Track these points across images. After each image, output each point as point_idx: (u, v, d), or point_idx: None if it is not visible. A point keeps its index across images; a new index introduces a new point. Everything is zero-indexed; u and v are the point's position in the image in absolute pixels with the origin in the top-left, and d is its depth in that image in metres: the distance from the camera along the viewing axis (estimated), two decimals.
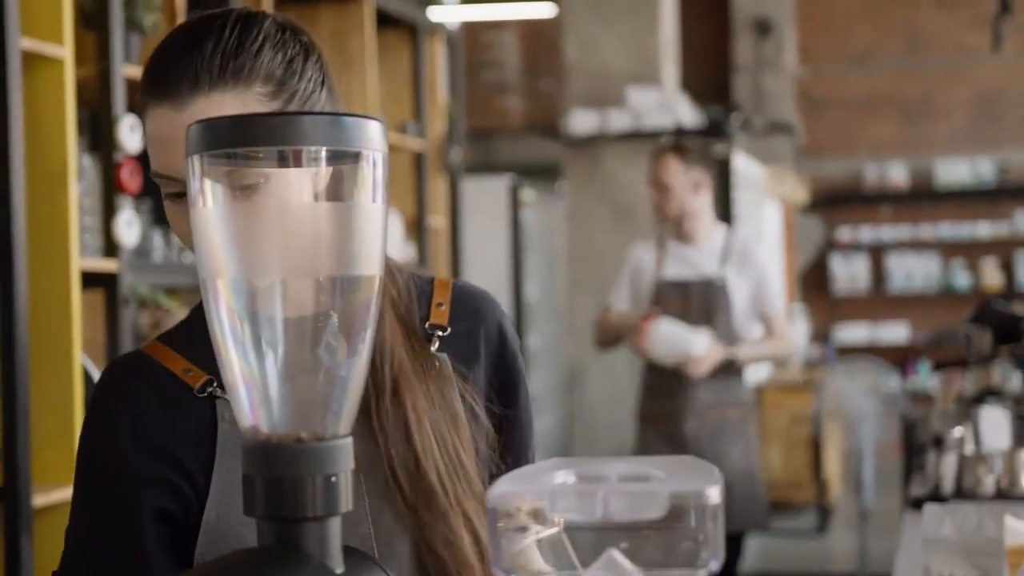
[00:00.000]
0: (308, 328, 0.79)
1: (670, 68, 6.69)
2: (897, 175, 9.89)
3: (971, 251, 9.80)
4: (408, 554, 1.14)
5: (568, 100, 6.53)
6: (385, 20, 4.41)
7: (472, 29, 9.23)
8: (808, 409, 6.82)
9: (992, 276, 9.71)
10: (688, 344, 3.74)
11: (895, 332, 9.87)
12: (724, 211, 6.49)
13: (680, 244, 3.91)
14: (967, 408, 2.88)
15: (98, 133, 2.89)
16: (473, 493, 1.15)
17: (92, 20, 2.85)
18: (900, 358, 9.50)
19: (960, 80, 9.82)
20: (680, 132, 6.11)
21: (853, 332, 9.89)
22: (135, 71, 2.87)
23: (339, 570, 0.78)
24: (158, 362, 1.15)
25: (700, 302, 3.84)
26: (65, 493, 2.42)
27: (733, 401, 3.87)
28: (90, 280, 2.78)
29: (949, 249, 9.84)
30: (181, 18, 3.08)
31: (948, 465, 2.49)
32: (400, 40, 4.64)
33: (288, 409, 0.78)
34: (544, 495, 0.73)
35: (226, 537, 1.11)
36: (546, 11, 7.64)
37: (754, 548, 6.26)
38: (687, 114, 6.45)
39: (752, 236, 4.30)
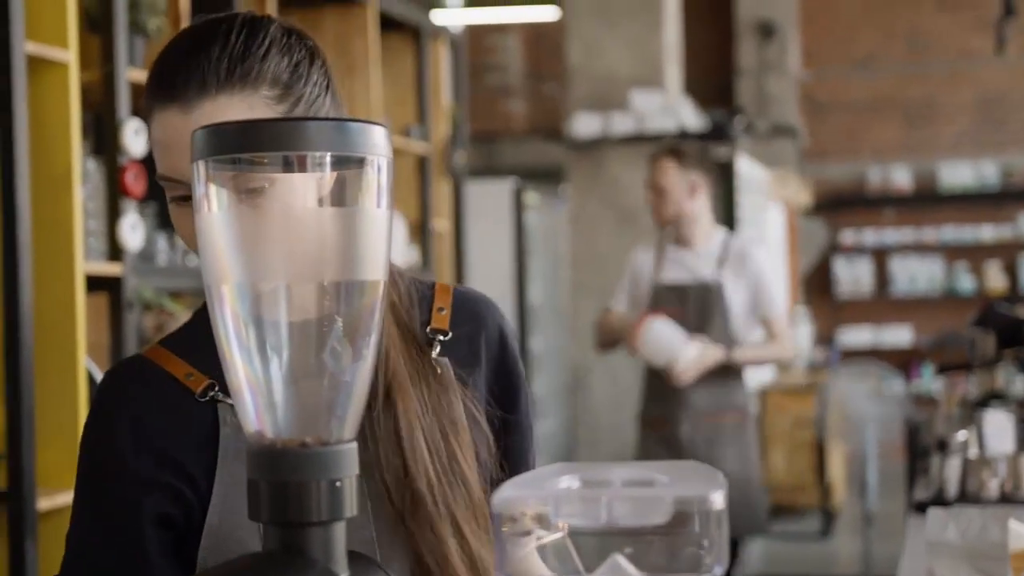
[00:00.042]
0: (313, 333, 0.79)
1: (673, 71, 6.70)
2: (901, 178, 9.89)
3: (975, 254, 9.79)
4: (406, 558, 1.14)
5: (571, 103, 6.53)
6: (389, 24, 4.41)
7: (475, 32, 9.23)
8: (812, 412, 6.81)
9: (996, 279, 9.70)
10: (674, 350, 3.74)
11: (899, 335, 9.87)
12: (727, 214, 6.49)
13: (678, 248, 3.91)
14: (971, 412, 2.88)
15: (102, 137, 2.90)
16: (471, 500, 1.15)
17: (96, 24, 2.85)
18: (904, 361, 9.50)
19: (963, 83, 9.81)
20: (684, 135, 6.11)
21: (857, 335, 9.88)
22: (139, 75, 2.87)
23: (344, 574, 0.78)
24: (159, 366, 1.15)
25: (696, 306, 3.83)
26: (69, 496, 2.42)
27: (730, 406, 3.86)
28: (94, 284, 2.78)
29: (953, 252, 9.83)
30: (185, 22, 3.09)
31: (952, 469, 2.49)
32: (404, 44, 4.64)
33: (293, 414, 0.78)
34: (548, 500, 0.73)
35: (228, 541, 1.11)
36: (549, 14, 7.64)
37: (758, 552, 6.26)
38: (690, 117, 6.45)
39: (751, 240, 4.29)
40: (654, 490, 0.72)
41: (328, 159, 0.78)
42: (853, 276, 9.94)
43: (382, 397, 1.14)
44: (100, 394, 1.17)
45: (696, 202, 3.86)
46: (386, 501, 1.13)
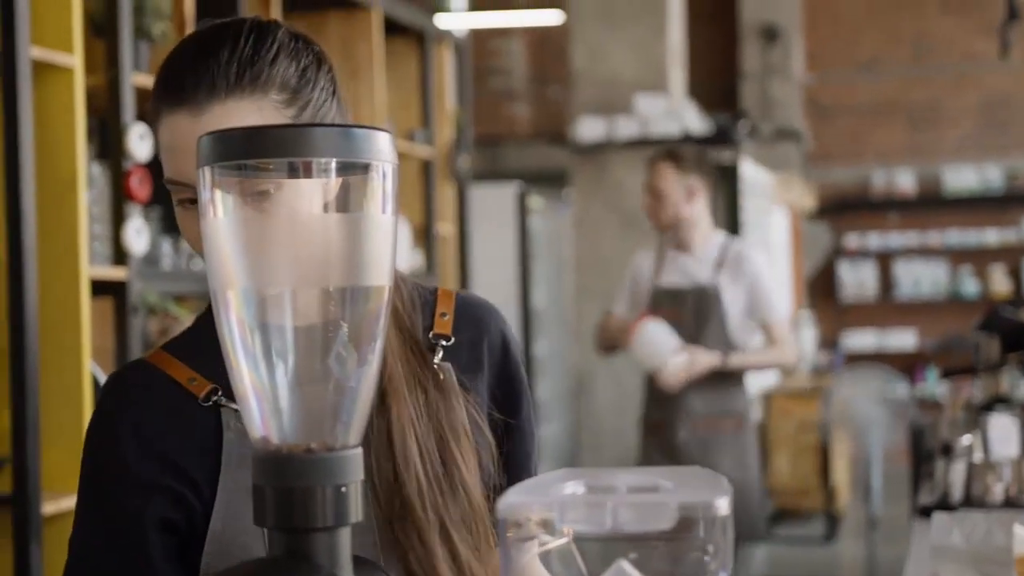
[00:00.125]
0: (318, 338, 0.79)
1: (677, 75, 6.70)
2: (905, 182, 9.88)
3: (979, 258, 9.78)
4: (395, 565, 1.14)
5: (575, 107, 6.54)
6: (393, 28, 4.41)
7: (480, 36, 9.24)
8: (816, 416, 6.80)
9: (1000, 283, 9.69)
10: (663, 355, 3.74)
11: (903, 339, 9.86)
12: (731, 218, 6.49)
13: (677, 252, 3.92)
14: (976, 416, 2.87)
15: (107, 141, 2.90)
16: (471, 506, 1.14)
17: (102, 29, 2.86)
18: (908, 365, 9.49)
19: (968, 87, 9.81)
20: (688, 139, 6.11)
21: (861, 339, 9.88)
22: (144, 79, 2.88)
23: None
24: (162, 371, 1.15)
25: (693, 310, 3.83)
26: (73, 500, 2.43)
27: (728, 412, 3.85)
28: (99, 288, 2.78)
29: (957, 256, 9.82)
30: (190, 27, 3.09)
31: (957, 473, 2.49)
32: (408, 48, 4.65)
33: (298, 419, 0.78)
34: (553, 506, 0.73)
35: (232, 546, 1.11)
36: (554, 18, 7.65)
37: (762, 556, 6.25)
38: (694, 121, 6.46)
39: (749, 244, 4.28)
40: (659, 496, 0.72)
41: (333, 165, 0.78)
42: (857, 280, 9.93)
43: (376, 402, 1.14)
44: (103, 398, 1.17)
45: (694, 206, 3.86)
46: (376, 506, 1.13)
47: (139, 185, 2.84)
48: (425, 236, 4.64)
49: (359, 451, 0.79)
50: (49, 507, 2.53)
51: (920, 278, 9.83)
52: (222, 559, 1.10)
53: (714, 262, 3.86)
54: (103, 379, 2.70)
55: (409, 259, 4.47)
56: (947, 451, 2.68)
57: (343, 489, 0.77)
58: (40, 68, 2.59)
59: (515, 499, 0.74)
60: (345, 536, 0.78)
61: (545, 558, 0.75)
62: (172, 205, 1.13)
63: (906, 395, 6.41)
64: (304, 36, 1.14)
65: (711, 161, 4.19)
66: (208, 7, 3.13)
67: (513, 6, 8.72)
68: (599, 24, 6.50)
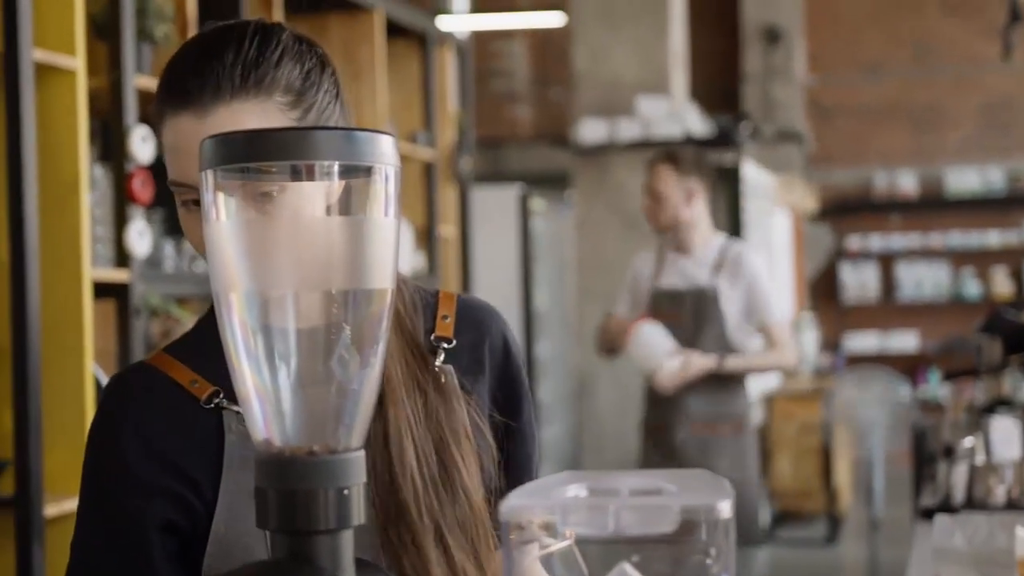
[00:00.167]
0: (321, 341, 0.79)
1: (679, 77, 6.70)
2: (907, 183, 9.89)
3: (981, 259, 9.78)
4: (390, 568, 1.14)
5: (577, 109, 6.54)
6: (395, 30, 4.42)
7: (481, 38, 9.24)
8: (818, 418, 6.80)
9: (1002, 285, 9.69)
10: (657, 358, 3.74)
11: (905, 341, 9.85)
12: (733, 220, 6.49)
13: (677, 254, 3.91)
14: (978, 418, 2.87)
15: (110, 143, 2.90)
16: (471, 509, 1.14)
17: (104, 31, 2.86)
18: (910, 367, 9.48)
19: (970, 89, 9.81)
20: (689, 141, 6.11)
21: (863, 341, 9.87)
22: (147, 82, 2.88)
23: None
24: (164, 373, 1.15)
25: (692, 312, 3.83)
26: (76, 502, 2.43)
27: (727, 415, 3.83)
28: (102, 290, 2.79)
29: (959, 258, 9.82)
30: (193, 29, 3.10)
31: (959, 475, 2.49)
32: (410, 50, 4.65)
33: (301, 422, 0.78)
34: (556, 509, 0.73)
35: (234, 548, 1.11)
36: (555, 20, 7.65)
37: (764, 558, 6.25)
38: (696, 123, 6.46)
39: (747, 245, 4.27)
40: (661, 499, 0.72)
41: (336, 168, 0.79)
42: (859, 281, 9.93)
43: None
44: (104, 400, 1.17)
45: (693, 208, 3.85)
46: (372, 509, 1.13)
47: (141, 187, 2.84)
48: (427, 238, 4.64)
49: (362, 454, 0.79)
50: (51, 509, 2.53)
51: (922, 280, 9.83)
52: (224, 561, 1.11)
53: (713, 264, 3.86)
54: (105, 381, 2.70)
55: (411, 261, 4.47)
56: (949, 453, 2.68)
57: (345, 492, 0.77)
58: (42, 70, 2.59)
59: (517, 502, 0.74)
60: (347, 539, 0.78)
61: (547, 561, 0.75)
62: (174, 207, 1.14)
63: (908, 397, 6.41)
64: (308, 39, 1.14)
65: (712, 163, 4.19)
66: (210, 9, 3.14)
67: (515, 8, 8.72)
68: (601, 26, 6.51)
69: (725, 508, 0.71)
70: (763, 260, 4.10)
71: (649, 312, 3.88)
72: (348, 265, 0.80)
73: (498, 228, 7.26)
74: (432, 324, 1.21)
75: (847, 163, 9.99)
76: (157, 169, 2.85)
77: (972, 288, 9.75)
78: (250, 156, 0.79)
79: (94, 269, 2.72)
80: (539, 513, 0.73)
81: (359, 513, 0.78)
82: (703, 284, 3.84)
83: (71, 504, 2.52)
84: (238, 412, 1.11)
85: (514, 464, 1.22)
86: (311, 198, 0.95)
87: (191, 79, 1.09)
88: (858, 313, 9.97)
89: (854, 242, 9.91)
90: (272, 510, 0.77)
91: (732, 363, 3.78)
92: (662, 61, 6.49)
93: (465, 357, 1.21)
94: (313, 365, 0.79)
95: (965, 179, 9.76)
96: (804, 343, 7.94)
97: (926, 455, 3.90)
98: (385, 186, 0.80)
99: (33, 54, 2.53)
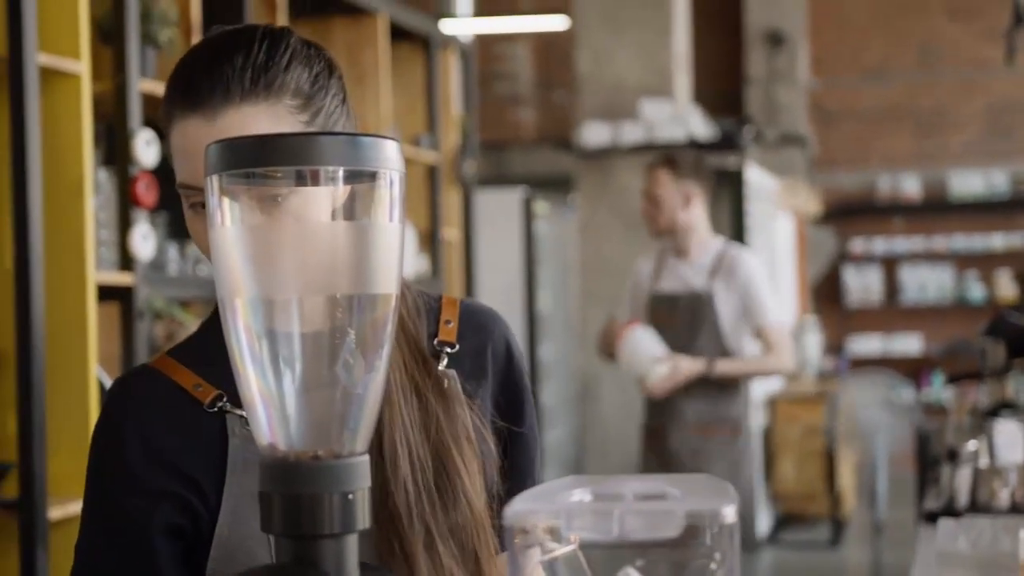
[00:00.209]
0: (325, 346, 0.79)
1: (683, 80, 6.70)
2: (910, 187, 9.88)
3: (985, 263, 9.77)
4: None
5: (581, 112, 6.54)
6: (399, 33, 4.42)
7: (485, 42, 9.25)
8: (822, 421, 6.80)
9: (1006, 288, 9.68)
10: (645, 364, 3.74)
11: (909, 344, 9.85)
12: (737, 223, 6.49)
13: (675, 258, 3.91)
14: (981, 421, 2.87)
15: (114, 147, 2.91)
16: (472, 514, 1.14)
17: (109, 35, 2.87)
18: (914, 370, 9.48)
19: (973, 92, 9.80)
20: (693, 144, 6.11)
21: (866, 344, 9.87)
22: (151, 86, 2.88)
23: None
24: (168, 377, 1.15)
25: (687, 315, 3.82)
26: (80, 506, 2.43)
27: (722, 419, 3.82)
28: (106, 293, 2.79)
29: (963, 261, 9.82)
30: (197, 33, 3.10)
31: (963, 478, 2.49)
32: (413, 53, 4.65)
33: (305, 426, 0.78)
34: (560, 513, 0.73)
35: (238, 552, 1.11)
36: (559, 24, 7.66)
37: (767, 561, 6.25)
38: (700, 126, 6.46)
39: (744, 249, 4.25)
40: (666, 504, 0.73)
41: (341, 173, 0.79)
42: (863, 285, 9.93)
43: None
44: (108, 404, 1.17)
45: (690, 212, 3.84)
46: None
47: (146, 191, 2.85)
48: (431, 241, 4.65)
49: (366, 458, 0.79)
50: (55, 512, 2.53)
51: (926, 283, 9.82)
52: (228, 564, 1.11)
53: (709, 268, 3.85)
54: (109, 384, 2.70)
55: (415, 264, 4.48)
56: (953, 456, 2.68)
57: (350, 496, 0.77)
58: (47, 74, 2.60)
59: (522, 506, 0.75)
60: (352, 543, 0.78)
61: (551, 566, 0.75)
62: (178, 210, 1.14)
63: (912, 400, 6.40)
64: (315, 44, 1.15)
65: (715, 166, 4.18)
66: (214, 14, 3.14)
67: (518, 11, 8.73)
68: (604, 29, 6.51)
69: (730, 513, 0.71)
70: (761, 263, 4.08)
71: (647, 316, 3.88)
72: (353, 270, 0.80)
73: (501, 231, 7.26)
74: (435, 329, 1.21)
75: (851, 166, 9.99)
76: (161, 173, 2.85)
77: (976, 291, 9.74)
78: (256, 161, 0.79)
79: (98, 272, 2.73)
80: (543, 518, 0.74)
81: (364, 517, 0.78)
82: (699, 288, 3.83)
83: (75, 507, 2.52)
84: (242, 416, 1.11)
85: (516, 469, 1.22)
86: (316, 203, 0.95)
87: (201, 82, 1.09)
88: (862, 316, 9.96)
89: (858, 245, 9.91)
90: (276, 514, 0.77)
91: (722, 367, 3.76)
92: (665, 64, 6.49)
93: (468, 362, 1.21)
94: (318, 369, 0.79)
95: (969, 182, 9.76)
96: (808, 346, 7.94)
97: (930, 458, 3.90)
98: (390, 191, 0.80)
99: (38, 58, 2.54)
